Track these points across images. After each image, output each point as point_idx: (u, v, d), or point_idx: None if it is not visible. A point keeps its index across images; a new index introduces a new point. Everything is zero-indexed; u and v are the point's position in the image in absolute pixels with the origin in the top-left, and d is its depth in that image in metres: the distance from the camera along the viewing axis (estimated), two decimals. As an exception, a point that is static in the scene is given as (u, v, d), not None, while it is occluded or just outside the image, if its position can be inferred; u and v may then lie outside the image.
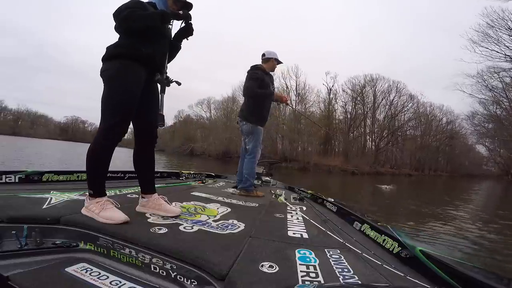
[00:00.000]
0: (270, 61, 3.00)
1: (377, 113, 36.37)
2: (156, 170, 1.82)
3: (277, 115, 33.02)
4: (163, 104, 1.60)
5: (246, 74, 2.99)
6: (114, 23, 1.46)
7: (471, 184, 25.36)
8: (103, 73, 1.43)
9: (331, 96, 35.74)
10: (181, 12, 1.57)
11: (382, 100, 36.34)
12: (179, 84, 1.71)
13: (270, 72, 3.07)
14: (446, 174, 40.87)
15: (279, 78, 33.61)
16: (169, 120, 52.66)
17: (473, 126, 30.90)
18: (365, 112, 36.18)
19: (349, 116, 36.16)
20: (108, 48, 1.46)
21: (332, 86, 35.56)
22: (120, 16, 1.38)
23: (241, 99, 26.85)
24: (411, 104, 37.18)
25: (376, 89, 35.80)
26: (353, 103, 36.05)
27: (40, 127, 69.50)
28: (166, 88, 1.62)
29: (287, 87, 33.56)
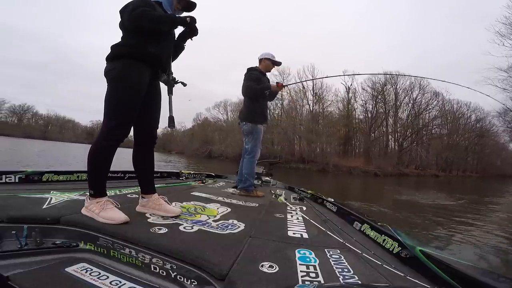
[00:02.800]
0: (263, 61, 3.02)
1: (399, 111, 34.81)
2: (156, 170, 1.81)
3: (294, 115, 32.70)
4: (171, 105, 1.58)
5: (244, 76, 3.03)
6: (120, 19, 1.43)
7: (505, 185, 23.63)
8: (107, 73, 1.41)
9: (350, 95, 34.62)
10: (188, 19, 1.54)
11: (405, 98, 34.88)
12: (184, 85, 1.69)
13: (267, 74, 3.11)
14: (476, 175, 38.62)
15: (295, 78, 33.24)
16: (188, 123, 53.87)
17: (505, 123, 28.70)
18: (387, 111, 34.72)
19: (369, 115, 34.74)
20: (112, 47, 1.43)
21: (351, 84, 34.34)
22: (133, 13, 1.35)
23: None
24: (436, 101, 35.48)
25: (398, 87, 34.43)
26: (374, 102, 34.54)
27: (68, 131, 73.07)
28: (177, 89, 1.60)
29: (303, 87, 33.05)
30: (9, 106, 61.51)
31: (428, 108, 35.30)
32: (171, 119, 1.55)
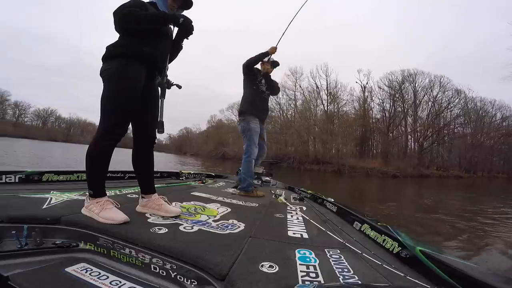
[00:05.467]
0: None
1: (419, 110, 33.09)
2: (156, 170, 1.80)
3: (307, 116, 32.26)
4: (163, 109, 1.57)
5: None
6: (114, 23, 1.43)
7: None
8: (103, 73, 1.41)
9: (366, 94, 33.46)
10: (181, 20, 1.51)
11: (424, 96, 33.26)
12: (179, 87, 1.68)
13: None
14: (502, 176, 36.08)
15: (308, 78, 32.74)
16: (202, 125, 54.59)
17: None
18: (405, 110, 33.29)
19: (387, 114, 33.35)
20: (108, 48, 1.44)
21: (366, 83, 33.28)
22: (120, 14, 1.37)
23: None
24: (457, 99, 33.51)
25: (416, 85, 32.96)
26: (391, 101, 33.06)
27: (89, 134, 75.75)
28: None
29: (317, 87, 32.51)
30: (34, 110, 64.27)
31: (449, 107, 33.26)
32: (160, 124, 1.54)
